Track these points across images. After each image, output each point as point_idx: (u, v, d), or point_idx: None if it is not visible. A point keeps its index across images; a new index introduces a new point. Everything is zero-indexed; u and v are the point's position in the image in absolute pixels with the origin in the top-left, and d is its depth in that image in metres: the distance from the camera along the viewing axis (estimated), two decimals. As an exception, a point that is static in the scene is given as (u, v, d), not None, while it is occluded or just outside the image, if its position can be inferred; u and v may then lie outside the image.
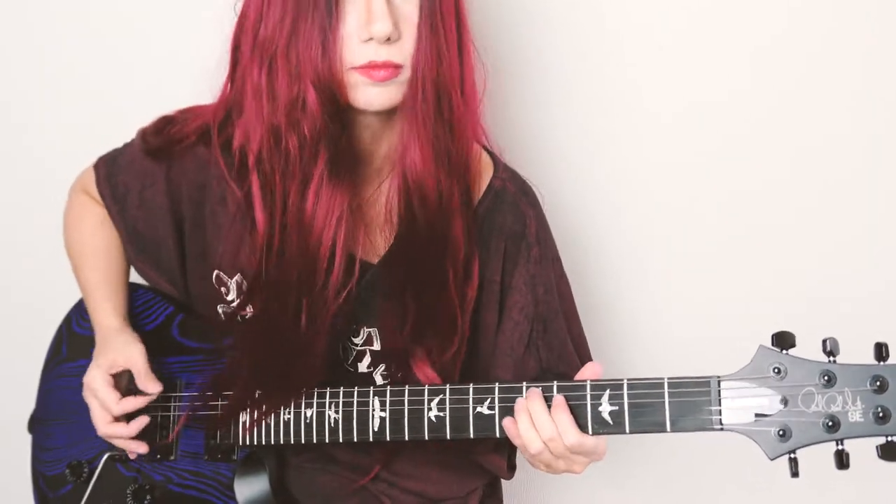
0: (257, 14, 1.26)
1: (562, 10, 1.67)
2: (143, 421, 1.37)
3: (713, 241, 1.70)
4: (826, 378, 1.06)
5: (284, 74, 1.23)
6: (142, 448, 1.38)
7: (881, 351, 1.05)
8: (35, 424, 1.55)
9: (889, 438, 1.04)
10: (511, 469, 1.43)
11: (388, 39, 1.20)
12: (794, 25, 1.63)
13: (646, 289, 1.73)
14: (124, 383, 1.39)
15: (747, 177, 1.67)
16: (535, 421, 1.16)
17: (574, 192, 1.70)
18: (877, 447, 1.04)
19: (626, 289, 1.73)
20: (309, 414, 1.29)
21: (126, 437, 1.37)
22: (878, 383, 1.04)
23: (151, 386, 1.36)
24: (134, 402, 1.36)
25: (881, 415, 1.04)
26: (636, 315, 1.73)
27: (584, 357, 1.42)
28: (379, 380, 1.35)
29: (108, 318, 1.43)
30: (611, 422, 1.13)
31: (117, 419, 1.37)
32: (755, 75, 1.65)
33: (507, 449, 1.41)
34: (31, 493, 1.53)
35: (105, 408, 1.36)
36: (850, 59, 1.62)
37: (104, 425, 1.36)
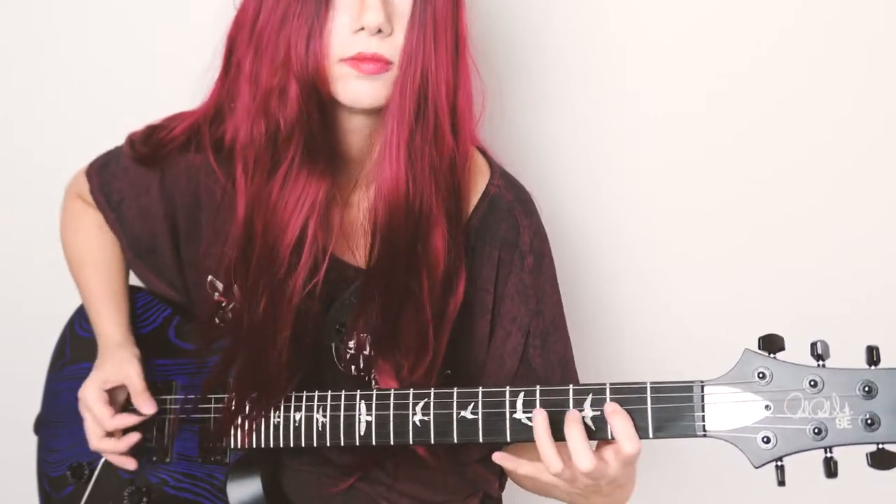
0: (255, 7, 1.26)
1: (564, 11, 1.66)
2: (133, 438, 1.38)
3: (708, 244, 1.68)
4: (812, 383, 1.02)
5: (270, 64, 1.23)
6: (130, 464, 1.38)
7: (872, 354, 1.01)
8: (41, 426, 1.57)
9: (880, 446, 1.00)
10: (501, 487, 1.43)
11: (380, 32, 1.19)
12: (795, 27, 1.61)
13: (640, 291, 1.70)
14: (122, 398, 1.40)
15: (743, 180, 1.65)
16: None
17: (570, 191, 1.68)
18: (867, 455, 1.01)
19: (618, 291, 1.71)
20: (298, 418, 1.28)
21: (116, 453, 1.38)
22: (866, 389, 1.00)
23: (145, 406, 1.37)
24: (126, 420, 1.37)
25: (870, 422, 1.00)
26: (631, 317, 1.71)
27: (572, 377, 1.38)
28: (373, 384, 1.33)
29: (111, 329, 1.44)
30: (593, 427, 1.10)
31: (110, 434, 1.38)
32: (753, 78, 1.63)
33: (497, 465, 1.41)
34: (36, 494, 1.55)
35: (98, 423, 1.37)
36: (849, 63, 1.60)
37: (96, 440, 1.38)
